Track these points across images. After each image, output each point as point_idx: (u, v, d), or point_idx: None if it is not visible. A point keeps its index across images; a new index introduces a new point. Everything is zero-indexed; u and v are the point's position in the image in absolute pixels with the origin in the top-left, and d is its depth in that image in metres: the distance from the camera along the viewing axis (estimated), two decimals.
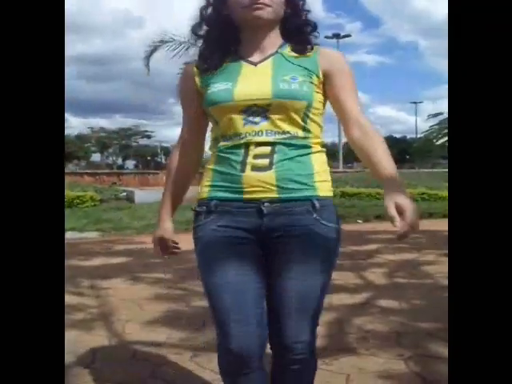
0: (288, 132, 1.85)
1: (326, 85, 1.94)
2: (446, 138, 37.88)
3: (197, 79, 1.98)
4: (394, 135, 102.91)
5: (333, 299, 4.65)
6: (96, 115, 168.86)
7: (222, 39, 1.96)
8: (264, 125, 1.84)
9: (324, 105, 1.98)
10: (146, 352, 3.40)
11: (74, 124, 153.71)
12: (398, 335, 3.64)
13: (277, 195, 1.83)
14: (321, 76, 1.91)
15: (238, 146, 1.85)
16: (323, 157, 1.97)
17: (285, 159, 1.83)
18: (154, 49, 24.34)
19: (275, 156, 1.83)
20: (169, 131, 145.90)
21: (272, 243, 1.87)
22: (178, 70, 24.64)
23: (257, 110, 1.85)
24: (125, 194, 17.27)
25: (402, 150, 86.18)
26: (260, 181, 1.82)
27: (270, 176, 1.82)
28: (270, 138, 1.83)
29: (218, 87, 1.89)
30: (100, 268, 6.50)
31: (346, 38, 48.52)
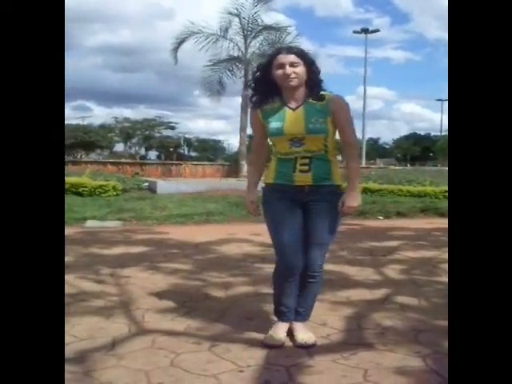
0: (316, 151, 3.26)
1: (335, 120, 3.27)
2: None
3: (260, 117, 3.38)
4: (418, 132, 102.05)
5: (352, 294, 4.65)
6: (120, 105, 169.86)
7: (269, 93, 3.33)
8: (302, 148, 3.25)
9: (335, 132, 3.31)
10: (164, 340, 3.43)
11: (98, 113, 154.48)
12: (417, 332, 3.63)
13: (312, 183, 3.28)
14: (331, 116, 3.25)
15: (289, 159, 3.29)
16: (336, 161, 3.38)
17: (316, 166, 3.27)
18: (182, 40, 24.51)
19: (311, 165, 3.27)
20: (192, 123, 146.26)
21: (309, 207, 3.32)
22: (206, 62, 24.30)
23: (297, 139, 3.25)
24: (147, 184, 17.35)
25: (426, 147, 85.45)
26: (303, 178, 3.28)
27: (309, 175, 3.28)
28: (308, 155, 3.26)
29: (274, 125, 3.29)
30: (120, 257, 6.55)
31: (374, 33, 48.04)
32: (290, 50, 3.34)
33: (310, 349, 3.28)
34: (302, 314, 3.50)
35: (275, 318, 3.53)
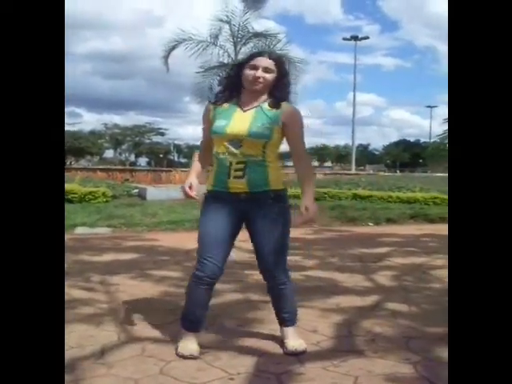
0: (252, 155, 3.17)
1: (284, 130, 3.23)
2: None
3: (211, 114, 3.35)
4: (408, 139, 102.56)
5: (342, 301, 4.65)
6: (111, 112, 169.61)
7: (230, 91, 3.31)
8: (239, 150, 3.17)
9: (279, 141, 3.27)
10: (154, 348, 3.41)
11: (88, 120, 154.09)
12: (407, 339, 3.63)
13: (248, 190, 3.19)
14: (280, 124, 3.20)
15: (224, 165, 3.21)
16: (276, 166, 3.27)
17: (251, 171, 3.17)
18: (173, 47, 24.49)
19: (246, 170, 3.17)
20: (182, 129, 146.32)
21: (251, 216, 3.26)
22: (196, 68, 24.24)
23: (236, 141, 3.17)
24: (137, 190, 17.30)
25: (415, 153, 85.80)
26: (238, 184, 3.19)
27: (243, 181, 3.18)
28: (243, 159, 3.16)
29: (218, 123, 3.23)
30: (110, 264, 6.52)
31: (364, 40, 48.35)
32: (271, 55, 3.30)
33: (300, 356, 3.27)
34: (288, 320, 3.45)
35: (265, 325, 3.52)
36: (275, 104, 3.23)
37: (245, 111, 3.23)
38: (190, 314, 3.39)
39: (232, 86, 3.33)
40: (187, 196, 3.39)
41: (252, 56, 3.31)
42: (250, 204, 3.22)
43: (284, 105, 3.25)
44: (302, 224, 3.28)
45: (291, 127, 3.24)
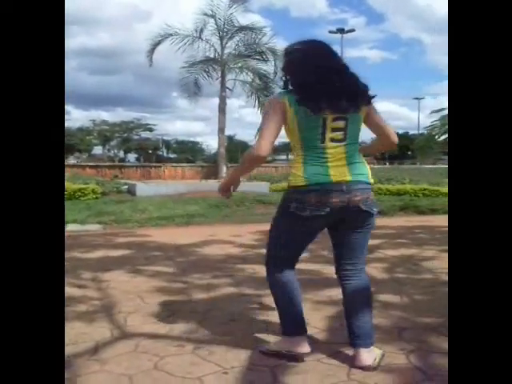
0: None
1: None
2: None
3: None
4: (396, 131, 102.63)
5: (334, 294, 4.66)
6: (98, 108, 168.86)
7: None
8: None
9: (289, 135, 3.00)
10: (148, 344, 3.41)
11: (76, 116, 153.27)
12: (400, 329, 3.65)
13: None
14: None
15: None
16: (294, 160, 3.01)
17: None
18: (158, 42, 24.44)
19: None
20: (171, 125, 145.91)
21: None
22: (182, 63, 24.31)
23: None
24: (126, 186, 17.28)
25: (404, 146, 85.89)
26: None
27: None
28: None
29: None
30: (101, 260, 6.50)
31: (350, 33, 48.38)
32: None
33: None
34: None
35: (258, 319, 3.50)
36: None
37: None
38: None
39: None
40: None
41: None
42: None
43: None
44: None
45: None
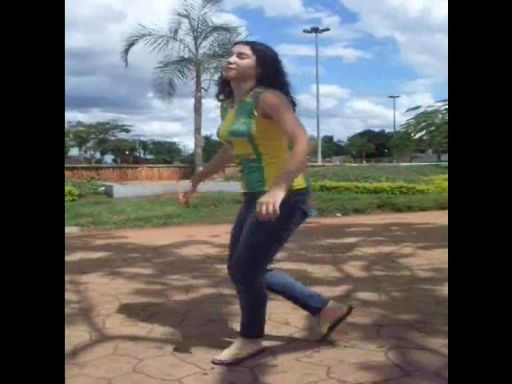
0: (244, 155, 2.96)
1: (270, 118, 2.82)
2: (423, 132, 38.04)
3: (222, 113, 3.19)
4: (373, 129, 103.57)
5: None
6: (74, 109, 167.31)
7: (223, 87, 3.10)
8: (233, 152, 3.02)
9: (266, 131, 2.86)
10: (127, 346, 3.39)
11: None
12: (378, 327, 3.67)
13: (247, 190, 3.07)
14: (258, 114, 2.84)
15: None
16: (277, 166, 2.86)
17: (248, 172, 2.99)
18: (133, 42, 24.28)
19: (245, 171, 3.01)
20: (147, 125, 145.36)
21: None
22: (157, 64, 24.22)
23: (229, 142, 3.01)
24: (103, 188, 17.16)
25: (380, 144, 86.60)
26: (242, 184, 3.10)
27: (243, 182, 3.07)
28: (239, 160, 3.03)
29: (220, 125, 3.13)
30: (79, 263, 6.45)
31: (325, 32, 48.51)
32: (249, 42, 3.02)
33: (273, 348, 3.28)
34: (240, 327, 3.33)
35: (237, 319, 3.48)
36: (256, 94, 2.88)
37: (232, 107, 3.03)
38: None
39: (223, 81, 3.07)
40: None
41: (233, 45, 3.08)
42: (249, 204, 2.99)
43: (262, 92, 2.86)
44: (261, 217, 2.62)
45: (270, 112, 2.82)
